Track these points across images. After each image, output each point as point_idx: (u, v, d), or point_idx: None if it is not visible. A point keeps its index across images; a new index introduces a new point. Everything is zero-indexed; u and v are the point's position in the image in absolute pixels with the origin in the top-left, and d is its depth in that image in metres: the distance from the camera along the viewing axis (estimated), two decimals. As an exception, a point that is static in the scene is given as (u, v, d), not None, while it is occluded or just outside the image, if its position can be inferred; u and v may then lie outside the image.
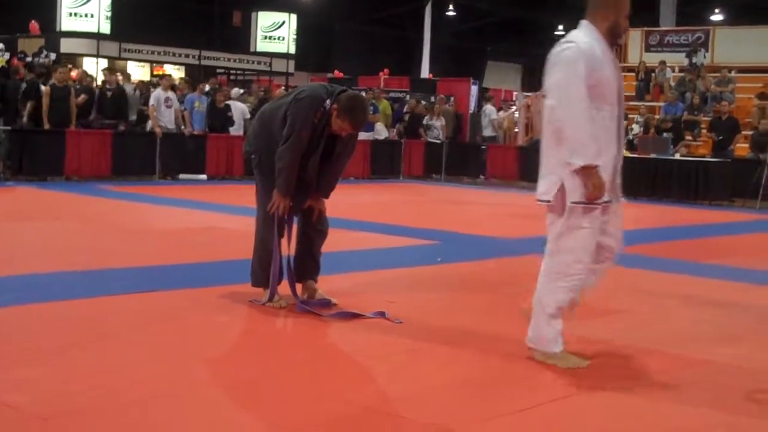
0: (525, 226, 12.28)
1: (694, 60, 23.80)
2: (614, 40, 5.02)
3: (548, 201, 4.92)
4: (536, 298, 5.03)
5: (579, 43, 4.85)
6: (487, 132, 22.88)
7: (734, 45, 24.04)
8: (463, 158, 21.57)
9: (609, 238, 5.05)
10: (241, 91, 19.86)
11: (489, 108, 23.30)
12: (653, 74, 23.93)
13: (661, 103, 21.91)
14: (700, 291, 7.71)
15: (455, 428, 3.96)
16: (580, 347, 5.16)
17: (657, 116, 20.73)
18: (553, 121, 4.83)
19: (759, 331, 6.34)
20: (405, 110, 23.32)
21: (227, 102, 18.42)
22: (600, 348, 5.40)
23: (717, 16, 32.37)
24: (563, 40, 4.97)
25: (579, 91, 4.74)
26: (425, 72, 32.60)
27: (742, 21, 27.15)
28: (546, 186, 4.94)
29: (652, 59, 25.08)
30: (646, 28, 26.97)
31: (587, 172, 4.74)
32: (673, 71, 23.81)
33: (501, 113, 23.71)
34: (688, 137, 20.24)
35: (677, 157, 18.08)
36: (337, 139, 6.11)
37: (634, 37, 26.47)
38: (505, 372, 4.92)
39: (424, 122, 21.96)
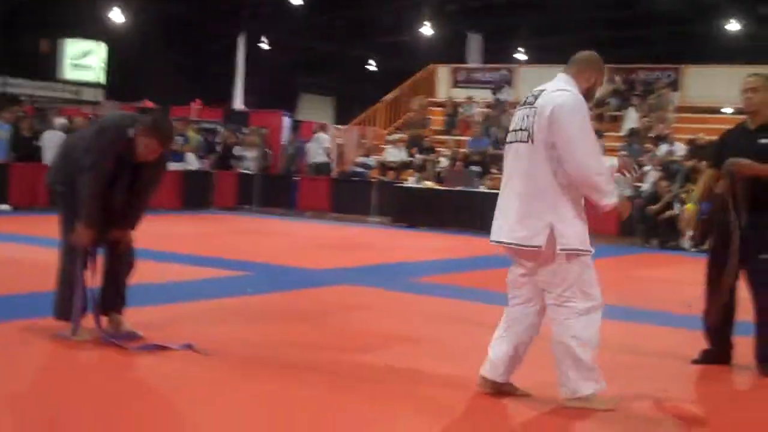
0: (333, 257, 12.48)
1: (499, 96, 24.70)
2: (590, 99, 5.11)
3: (537, 246, 4.80)
4: (566, 346, 4.89)
5: (574, 93, 4.96)
6: (319, 158, 22.65)
7: (537, 82, 24.34)
8: (275, 189, 21.65)
9: None
10: (63, 119, 19.27)
11: (322, 136, 23.14)
12: (460, 109, 24.78)
13: (468, 138, 22.58)
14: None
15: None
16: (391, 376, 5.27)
17: (463, 150, 21.28)
18: (575, 170, 4.78)
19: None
20: (217, 141, 23.20)
21: (44, 130, 17.82)
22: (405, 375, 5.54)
23: (521, 56, 33.68)
24: (553, 88, 5.02)
25: (594, 138, 4.94)
26: (239, 104, 32.55)
27: (543, 60, 28.31)
28: (531, 231, 4.83)
29: (460, 95, 25.94)
30: (454, 65, 27.86)
31: (616, 207, 4.93)
32: (479, 107, 24.68)
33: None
34: (494, 170, 20.89)
35: (482, 189, 18.54)
36: (144, 169, 6.07)
37: (443, 73, 27.35)
38: (312, 397, 5.00)
39: (237, 153, 21.88)
